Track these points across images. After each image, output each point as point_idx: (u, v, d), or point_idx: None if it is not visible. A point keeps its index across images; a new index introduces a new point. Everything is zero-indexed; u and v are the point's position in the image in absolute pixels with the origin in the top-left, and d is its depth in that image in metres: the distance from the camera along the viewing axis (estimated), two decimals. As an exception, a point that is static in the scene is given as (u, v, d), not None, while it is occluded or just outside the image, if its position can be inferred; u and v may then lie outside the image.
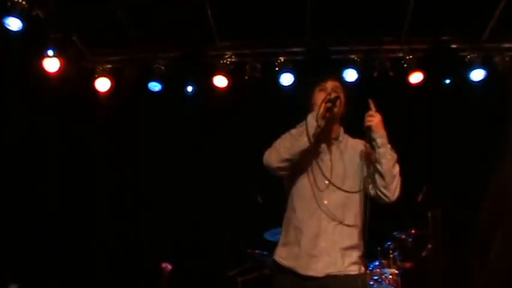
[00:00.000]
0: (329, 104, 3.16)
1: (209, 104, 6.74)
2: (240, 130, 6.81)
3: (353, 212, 3.25)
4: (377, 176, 3.23)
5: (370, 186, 3.27)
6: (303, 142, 3.13)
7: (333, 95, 3.21)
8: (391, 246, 5.81)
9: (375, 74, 6.41)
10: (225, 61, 6.50)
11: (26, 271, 5.65)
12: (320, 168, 3.24)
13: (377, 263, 5.69)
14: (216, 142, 6.89)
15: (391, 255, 5.78)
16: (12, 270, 5.31)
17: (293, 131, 3.26)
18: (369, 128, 3.20)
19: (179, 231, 6.87)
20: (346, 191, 3.22)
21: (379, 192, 3.22)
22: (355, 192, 3.25)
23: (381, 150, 3.23)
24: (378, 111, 3.24)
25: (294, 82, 6.39)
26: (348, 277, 3.12)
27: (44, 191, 6.51)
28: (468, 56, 6.35)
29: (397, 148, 6.51)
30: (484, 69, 6.30)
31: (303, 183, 3.27)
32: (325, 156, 3.32)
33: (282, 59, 6.46)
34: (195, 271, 6.71)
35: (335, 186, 3.21)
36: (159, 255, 6.46)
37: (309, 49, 6.43)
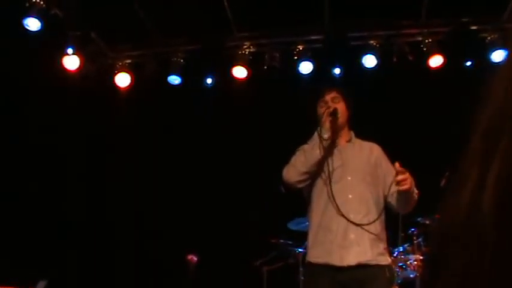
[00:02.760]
0: (330, 118, 3.44)
1: (229, 95, 6.75)
2: (261, 120, 6.82)
3: (376, 205, 3.43)
4: (396, 200, 3.42)
5: (389, 194, 3.47)
6: (316, 154, 3.40)
7: (332, 108, 3.48)
8: (415, 232, 5.79)
9: (394, 59, 6.36)
10: (243, 52, 6.49)
11: (54, 267, 5.72)
12: (340, 167, 3.46)
13: (401, 249, 5.67)
14: (238, 133, 6.91)
15: (415, 241, 5.75)
16: (41, 266, 5.39)
17: (305, 146, 3.55)
18: (408, 190, 3.25)
19: (204, 222, 6.91)
20: (368, 185, 3.43)
21: (393, 208, 3.49)
22: (375, 187, 3.46)
23: (414, 198, 3.38)
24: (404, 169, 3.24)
25: (313, 70, 6.36)
26: (376, 267, 3.28)
27: (65, 187, 6.58)
28: (489, 37, 6.26)
29: (420, 133, 6.49)
30: (505, 50, 6.21)
31: (325, 186, 3.43)
32: (343, 157, 3.52)
33: (300, 47, 6.42)
34: (221, 262, 6.75)
35: (356, 180, 3.42)
36: (185, 247, 6.51)
37: (327, 36, 6.39)
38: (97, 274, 6.58)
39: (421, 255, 5.59)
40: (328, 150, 3.45)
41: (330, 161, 3.45)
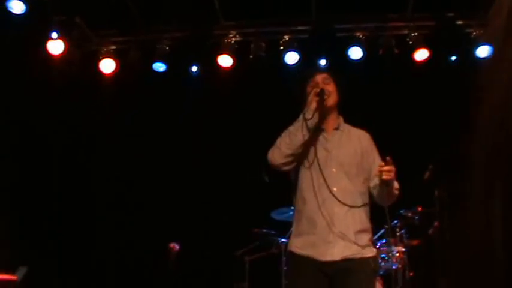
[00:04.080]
0: (317, 98, 3.33)
1: (214, 83, 6.72)
2: (245, 109, 6.81)
3: (360, 197, 3.38)
4: (377, 193, 3.39)
5: (371, 185, 3.44)
6: (301, 136, 3.31)
7: (319, 88, 3.37)
8: (398, 225, 5.84)
9: (380, 52, 6.38)
10: (229, 40, 6.47)
11: (34, 255, 5.68)
12: (325, 157, 3.38)
13: (384, 241, 5.71)
14: (222, 122, 6.89)
15: (398, 233, 5.80)
16: (21, 253, 5.34)
17: (290, 127, 3.42)
18: (389, 181, 3.26)
19: (186, 211, 6.90)
20: (352, 177, 3.37)
21: (374, 198, 3.44)
22: (360, 179, 3.40)
23: (394, 193, 3.36)
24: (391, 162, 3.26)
25: (299, 61, 6.36)
26: (361, 259, 3.25)
27: (50, 173, 6.53)
28: (474, 33, 6.30)
29: (404, 126, 6.51)
30: (490, 45, 6.24)
31: (310, 174, 3.37)
32: (328, 146, 3.44)
33: (286, 37, 6.42)
34: (203, 251, 6.75)
35: (341, 173, 3.34)
36: (167, 235, 6.50)
37: (313, 27, 6.39)
38: (77, 262, 6.55)
39: (404, 247, 5.64)
40: (314, 133, 3.37)
41: (315, 148, 3.38)
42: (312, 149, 3.39)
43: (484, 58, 6.26)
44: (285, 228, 6.00)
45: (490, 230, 0.50)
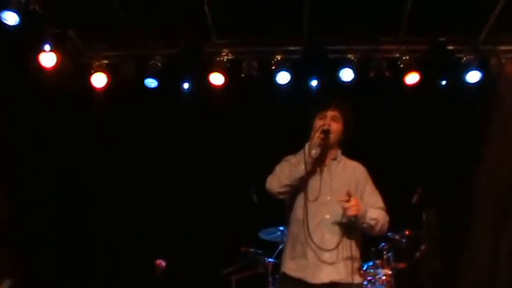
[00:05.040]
0: (322, 136, 3.45)
1: (205, 101, 6.72)
2: (235, 128, 6.81)
3: (352, 225, 3.46)
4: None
5: None
6: (301, 169, 3.42)
7: (326, 127, 3.48)
8: (385, 247, 5.82)
9: (372, 74, 6.41)
10: (221, 58, 6.48)
11: (21, 268, 5.62)
12: (321, 185, 3.50)
13: (371, 264, 5.70)
14: (212, 140, 6.88)
15: (385, 256, 5.79)
16: (6, 266, 5.29)
17: (292, 159, 3.53)
18: (355, 216, 3.39)
19: (174, 228, 6.87)
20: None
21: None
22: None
23: (370, 224, 3.47)
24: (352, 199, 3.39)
25: (290, 81, 6.38)
26: (348, 285, 3.39)
27: (41, 183, 6.48)
28: (464, 58, 6.37)
29: (393, 149, 6.54)
30: (480, 71, 6.30)
31: (305, 200, 3.46)
32: (325, 175, 3.57)
33: (278, 57, 6.44)
34: (189, 269, 6.70)
35: (335, 201, 3.42)
36: (153, 252, 6.46)
37: (305, 48, 6.42)
38: (64, 277, 6.48)
39: (390, 270, 5.63)
40: (314, 166, 3.50)
41: (313, 177, 3.52)
42: (310, 178, 3.52)
43: (473, 83, 6.31)
44: (272, 248, 5.99)
45: (496, 263, 0.50)
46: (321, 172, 3.56)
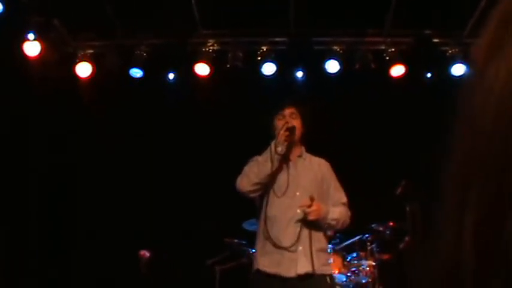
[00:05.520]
0: (287, 133, 3.65)
1: (190, 91, 6.71)
2: (220, 119, 6.80)
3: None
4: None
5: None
6: (269, 167, 3.61)
7: (291, 125, 3.69)
8: (369, 239, 5.85)
9: (357, 66, 6.43)
10: (207, 49, 6.46)
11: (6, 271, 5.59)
12: (288, 181, 3.68)
13: (355, 255, 5.73)
14: (196, 131, 6.87)
15: (368, 247, 5.82)
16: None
17: (259, 158, 3.71)
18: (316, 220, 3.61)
19: (157, 219, 6.85)
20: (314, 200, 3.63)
21: None
22: (322, 203, 3.68)
23: (331, 224, 3.70)
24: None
25: (275, 72, 6.38)
26: (320, 276, 3.60)
27: (25, 177, 6.43)
28: (450, 51, 6.40)
29: (378, 140, 6.57)
30: (465, 64, 6.34)
31: (275, 198, 3.67)
32: (292, 172, 3.75)
33: (264, 48, 6.44)
34: (173, 259, 6.70)
35: (305, 196, 3.62)
36: (138, 242, 6.45)
37: (291, 39, 6.42)
38: (45, 269, 6.45)
39: (374, 261, 5.66)
40: (281, 163, 3.67)
41: (281, 174, 3.68)
42: (277, 175, 3.70)
43: (458, 76, 6.35)
44: (256, 238, 5.99)
45: (461, 242, 0.50)
46: (288, 168, 3.73)
